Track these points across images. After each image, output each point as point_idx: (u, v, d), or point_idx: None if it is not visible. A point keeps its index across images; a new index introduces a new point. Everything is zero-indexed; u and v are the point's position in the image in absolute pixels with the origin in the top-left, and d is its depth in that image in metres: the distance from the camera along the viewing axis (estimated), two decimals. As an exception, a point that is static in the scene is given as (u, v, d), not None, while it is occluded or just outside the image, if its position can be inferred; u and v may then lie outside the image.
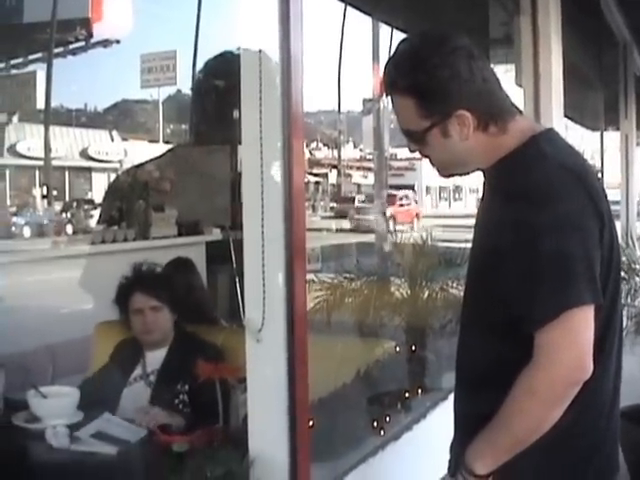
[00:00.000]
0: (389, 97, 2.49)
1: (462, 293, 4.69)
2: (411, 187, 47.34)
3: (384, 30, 13.43)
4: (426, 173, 50.91)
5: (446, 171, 2.59)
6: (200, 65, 7.54)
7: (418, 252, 5.18)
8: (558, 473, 2.43)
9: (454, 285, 4.78)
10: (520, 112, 2.52)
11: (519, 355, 2.26)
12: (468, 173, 2.59)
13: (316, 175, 39.04)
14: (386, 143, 14.94)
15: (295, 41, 2.49)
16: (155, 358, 4.16)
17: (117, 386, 4.12)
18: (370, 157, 34.36)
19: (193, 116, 7.52)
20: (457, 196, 59.11)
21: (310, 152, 38.48)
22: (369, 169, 36.10)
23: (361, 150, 34.20)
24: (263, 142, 2.51)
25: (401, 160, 45.06)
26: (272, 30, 2.51)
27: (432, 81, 2.39)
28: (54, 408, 3.60)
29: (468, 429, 2.45)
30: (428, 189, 52.78)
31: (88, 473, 3.13)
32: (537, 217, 2.24)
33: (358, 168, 42.51)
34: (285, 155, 2.50)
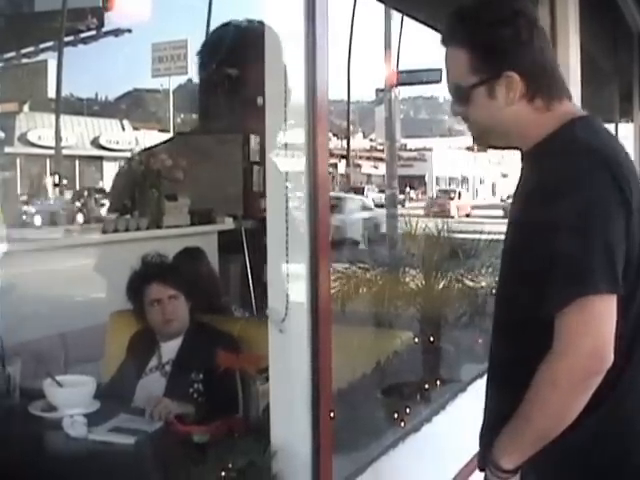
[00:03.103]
0: (444, 48, 2.53)
1: (477, 284, 4.70)
2: (422, 177, 47.64)
3: (397, 19, 13.43)
4: (436, 164, 51.26)
5: (483, 139, 2.59)
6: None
7: (433, 243, 5.14)
8: (589, 474, 2.39)
9: (469, 277, 4.75)
10: (570, 97, 2.50)
11: (547, 346, 2.24)
12: (504, 148, 2.58)
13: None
14: (398, 133, 14.98)
15: (321, 26, 2.46)
16: (170, 348, 4.14)
17: (134, 377, 4.11)
18: (381, 147, 34.46)
19: (203, 101, 7.48)
20: (465, 187, 59.32)
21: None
22: (379, 159, 36.28)
23: (371, 140, 34.30)
24: (287, 131, 2.49)
25: (411, 151, 45.24)
26: (294, 14, 2.49)
27: (491, 36, 2.41)
28: (71, 397, 3.59)
29: (497, 422, 2.43)
30: (438, 180, 52.93)
31: (106, 462, 3.11)
32: (558, 202, 2.23)
33: (368, 158, 42.55)
34: (310, 144, 2.48)
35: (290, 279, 2.52)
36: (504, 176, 64.86)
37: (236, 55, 6.00)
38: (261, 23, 2.80)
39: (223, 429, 2.97)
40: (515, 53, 2.41)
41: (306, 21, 2.45)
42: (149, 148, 7.34)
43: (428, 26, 6.70)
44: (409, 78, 15.45)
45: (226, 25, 6.54)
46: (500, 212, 35.56)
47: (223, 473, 2.47)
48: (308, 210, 2.48)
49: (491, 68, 2.43)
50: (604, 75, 10.01)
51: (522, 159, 2.55)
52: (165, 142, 8.20)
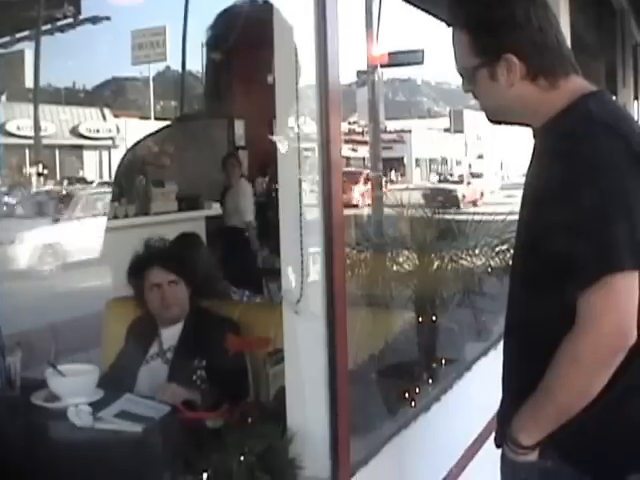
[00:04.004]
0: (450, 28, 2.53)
1: (472, 264, 4.69)
2: (400, 159, 47.44)
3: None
4: (416, 145, 51.16)
5: (493, 116, 2.60)
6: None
7: (425, 222, 5.13)
8: (612, 442, 2.39)
9: (463, 255, 4.75)
10: (577, 72, 2.49)
11: (567, 323, 2.24)
12: (515, 124, 2.58)
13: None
14: (381, 115, 15.00)
15: (331, 6, 2.44)
16: (171, 334, 4.12)
17: (135, 365, 4.08)
18: (359, 130, 34.30)
19: (206, 88, 7.46)
20: (443, 168, 59.43)
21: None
22: (358, 142, 36.11)
23: (350, 123, 34.16)
24: (299, 113, 2.47)
25: (390, 132, 45.02)
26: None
27: (487, 20, 2.43)
28: (74, 386, 3.55)
29: (515, 399, 2.43)
30: (418, 161, 53.00)
31: (115, 451, 3.08)
32: (579, 179, 2.23)
33: (347, 141, 42.49)
34: (322, 130, 2.46)
35: (304, 261, 2.51)
36: (479, 157, 65.07)
37: (235, 39, 5.97)
38: (266, 4, 2.78)
39: (235, 414, 2.95)
40: (512, 36, 2.41)
41: (316, 2, 2.43)
42: (148, 136, 7.31)
43: (412, 4, 6.67)
44: (390, 60, 15.44)
45: (230, 9, 6.50)
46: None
47: (242, 458, 2.45)
48: (322, 191, 2.47)
49: (489, 51, 2.43)
50: (590, 52, 10.01)
51: (534, 136, 2.54)
52: (162, 129, 8.18)
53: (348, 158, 43.94)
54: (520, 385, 2.46)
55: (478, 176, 44.46)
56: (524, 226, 2.50)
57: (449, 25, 2.55)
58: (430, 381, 3.81)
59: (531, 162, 2.53)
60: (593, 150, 2.25)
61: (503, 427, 2.49)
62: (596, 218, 2.18)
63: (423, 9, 6.56)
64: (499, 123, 2.62)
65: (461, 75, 2.55)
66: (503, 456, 2.47)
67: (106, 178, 26.72)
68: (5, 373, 3.68)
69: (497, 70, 2.42)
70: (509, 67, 2.40)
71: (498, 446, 2.51)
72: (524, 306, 2.48)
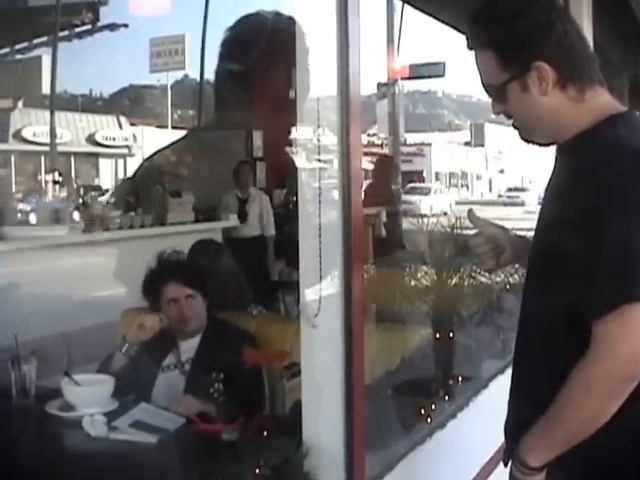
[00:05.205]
0: (473, 52, 2.49)
1: (491, 280, 4.66)
2: (420, 172, 47.12)
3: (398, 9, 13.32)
4: (435, 159, 50.93)
5: (528, 134, 2.53)
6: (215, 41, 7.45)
7: (444, 239, 5.11)
8: (618, 466, 2.37)
9: (480, 272, 4.72)
10: (602, 83, 2.46)
11: (579, 344, 2.22)
12: (549, 144, 2.54)
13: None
14: (401, 128, 14.95)
15: (353, 19, 2.43)
16: (189, 347, 4.08)
17: (150, 375, 4.06)
18: (379, 142, 34.30)
19: (216, 98, 7.46)
20: (463, 182, 59.29)
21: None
22: (377, 155, 36.08)
23: (369, 135, 34.18)
24: (320, 129, 2.47)
25: (410, 145, 44.82)
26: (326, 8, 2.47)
27: (509, 31, 2.37)
28: (89, 396, 3.55)
29: (523, 418, 2.42)
30: (437, 175, 52.80)
31: (130, 462, 3.07)
32: (603, 204, 2.19)
33: (365, 154, 42.45)
34: (343, 142, 2.46)
35: (323, 274, 2.50)
36: (501, 172, 64.82)
37: (256, 51, 5.98)
38: (289, 18, 2.79)
39: (251, 427, 2.95)
40: (537, 41, 2.37)
41: (338, 15, 2.43)
42: (167, 147, 7.33)
43: (433, 17, 6.68)
44: (411, 72, 15.44)
45: (248, 18, 6.51)
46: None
47: (257, 471, 2.45)
48: (342, 203, 2.47)
49: (518, 62, 2.39)
50: (613, 67, 9.99)
51: (557, 151, 2.52)
52: (180, 139, 8.20)
53: (366, 170, 44.02)
54: (526, 404, 2.45)
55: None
56: (540, 245, 2.48)
57: (470, 49, 2.52)
58: (446, 398, 3.82)
59: (551, 179, 2.51)
60: (620, 178, 2.21)
61: (511, 447, 2.48)
62: (618, 246, 2.15)
63: (444, 22, 6.57)
64: (532, 142, 2.57)
65: (490, 95, 2.51)
66: (511, 475, 2.46)
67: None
68: (20, 381, 3.67)
69: (528, 80, 2.38)
70: (540, 75, 2.36)
71: (505, 463, 2.50)
72: (536, 325, 2.46)
